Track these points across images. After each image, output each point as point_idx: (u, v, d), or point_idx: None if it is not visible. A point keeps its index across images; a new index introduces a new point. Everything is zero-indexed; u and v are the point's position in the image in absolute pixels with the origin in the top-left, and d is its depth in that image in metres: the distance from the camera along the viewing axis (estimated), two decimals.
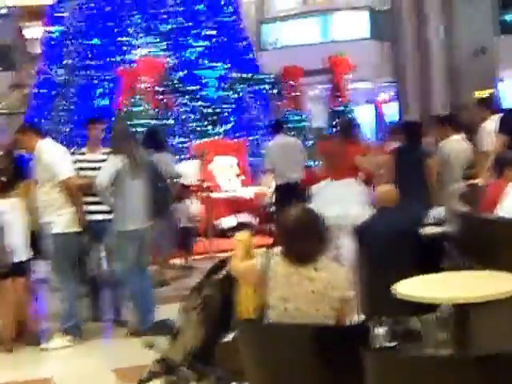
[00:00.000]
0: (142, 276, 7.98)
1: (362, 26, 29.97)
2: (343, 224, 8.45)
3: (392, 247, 6.25)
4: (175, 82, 15.39)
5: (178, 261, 11.74)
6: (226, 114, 16.16)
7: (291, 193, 11.23)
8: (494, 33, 26.70)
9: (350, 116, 16.13)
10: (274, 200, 12.51)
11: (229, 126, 16.35)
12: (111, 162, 7.69)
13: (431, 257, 6.35)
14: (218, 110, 15.92)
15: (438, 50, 27.33)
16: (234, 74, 17.16)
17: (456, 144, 10.15)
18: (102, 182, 7.60)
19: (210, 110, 15.93)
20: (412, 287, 4.99)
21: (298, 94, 16.24)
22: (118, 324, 8.41)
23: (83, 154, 8.61)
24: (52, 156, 7.63)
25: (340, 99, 16.16)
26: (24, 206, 7.69)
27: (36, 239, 7.84)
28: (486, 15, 26.27)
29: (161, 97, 14.47)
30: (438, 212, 7.62)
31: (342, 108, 16.05)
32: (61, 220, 7.61)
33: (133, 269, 7.83)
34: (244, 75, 16.78)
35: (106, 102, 17.18)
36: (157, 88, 14.41)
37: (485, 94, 26.49)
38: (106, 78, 17.30)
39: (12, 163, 8.03)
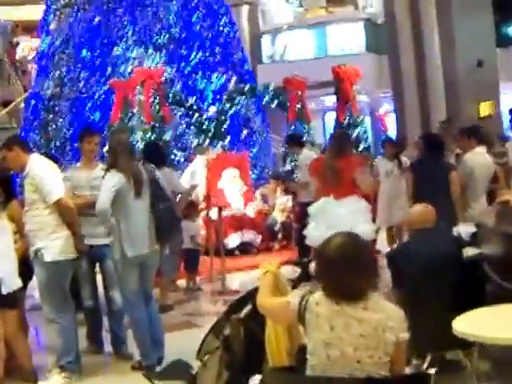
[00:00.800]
0: (147, 302, 7.15)
1: (358, 38, 29.57)
2: None
3: (435, 273, 5.48)
4: (171, 94, 14.53)
5: (181, 282, 11.06)
6: (225, 127, 15.30)
7: None
8: (493, 45, 26.30)
9: (355, 127, 15.31)
10: (294, 216, 11.59)
11: (227, 140, 15.50)
12: (111, 180, 6.83)
13: (474, 282, 5.62)
14: (216, 124, 15.05)
15: (436, 63, 26.98)
16: (232, 86, 16.41)
17: (480, 157, 9.54)
18: (104, 203, 6.74)
19: (207, 124, 15.08)
20: (471, 324, 4.44)
21: (302, 105, 15.31)
22: (120, 357, 7.59)
23: (78, 169, 7.79)
24: (42, 174, 6.79)
25: (349, 111, 15.24)
26: (12, 230, 6.83)
27: (27, 265, 6.99)
28: (485, 28, 25.80)
29: (157, 109, 13.57)
30: (464, 230, 6.84)
31: (352, 120, 15.12)
32: (53, 245, 6.78)
33: (137, 295, 7.03)
34: (243, 86, 15.92)
35: (97, 115, 16.42)
36: (153, 100, 13.52)
37: (488, 104, 26.22)
38: (98, 91, 16.54)
39: (1, 182, 7.16)
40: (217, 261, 11.36)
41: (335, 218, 8.42)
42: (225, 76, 17.23)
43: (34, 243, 6.81)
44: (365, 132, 15.90)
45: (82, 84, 16.89)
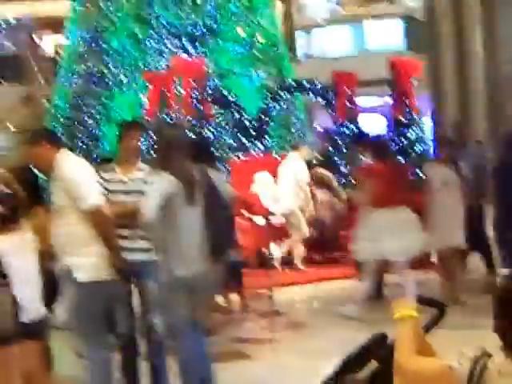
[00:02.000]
0: (195, 334, 5.82)
1: (397, 36, 28.29)
2: (403, 259, 8.51)
3: None
4: (210, 90, 13.18)
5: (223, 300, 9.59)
6: (267, 127, 13.94)
7: None
8: None
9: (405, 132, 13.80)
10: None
11: (270, 140, 14.14)
12: (161, 184, 5.57)
13: None
14: (258, 123, 13.68)
15: (479, 62, 25.76)
16: (273, 83, 15.10)
17: None
18: (152, 212, 5.47)
19: (248, 123, 13.70)
20: None
21: (351, 102, 13.88)
22: None
23: (114, 172, 6.39)
24: (75, 174, 5.51)
25: (409, 109, 13.70)
26: (35, 245, 5.54)
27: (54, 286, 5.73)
28: None
29: (199, 105, 12.19)
30: None
31: (409, 119, 13.57)
32: (85, 263, 5.51)
33: (186, 323, 5.73)
34: (287, 82, 14.57)
35: (128, 113, 15.15)
36: (194, 95, 12.16)
37: None
38: (129, 86, 15.29)
39: (25, 185, 5.87)
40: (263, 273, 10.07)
41: (387, 229, 8.27)
42: (264, 72, 16.03)
43: (63, 259, 5.53)
44: (423, 132, 14.36)
45: (111, 78, 15.64)
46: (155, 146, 5.78)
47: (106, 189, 5.98)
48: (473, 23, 25.02)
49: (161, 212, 5.48)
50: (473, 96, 26.20)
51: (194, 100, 12.33)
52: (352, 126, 13.81)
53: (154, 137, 5.84)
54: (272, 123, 14.27)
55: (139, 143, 6.35)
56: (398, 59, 13.79)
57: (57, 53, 22.11)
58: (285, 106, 15.33)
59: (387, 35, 28.32)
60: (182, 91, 12.19)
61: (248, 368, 6.74)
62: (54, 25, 23.26)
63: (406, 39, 28.17)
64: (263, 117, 13.72)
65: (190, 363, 5.76)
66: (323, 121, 17.44)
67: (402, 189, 8.53)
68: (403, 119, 13.52)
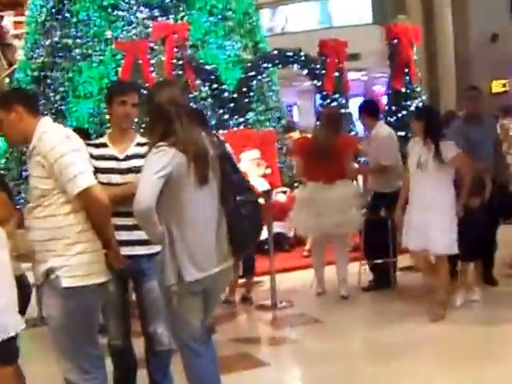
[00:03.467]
0: (205, 346, 4.45)
1: (364, 10, 27.05)
2: (341, 232, 8.19)
3: None
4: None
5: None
6: (248, 100, 12.53)
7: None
8: (508, 19, 24.30)
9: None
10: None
11: (250, 115, 12.76)
12: (159, 160, 4.13)
13: None
14: (237, 96, 12.28)
15: (448, 37, 24.81)
16: (252, 55, 13.74)
17: None
18: (146, 198, 4.05)
19: (226, 96, 12.28)
20: None
21: (341, 73, 12.45)
22: None
23: (105, 147, 4.93)
24: (60, 149, 4.08)
25: (409, 78, 12.25)
26: (8, 250, 4.13)
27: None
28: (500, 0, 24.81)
29: (181, 74, 10.70)
30: None
31: (410, 90, 12.13)
32: (76, 264, 4.13)
33: (198, 335, 4.37)
34: (270, 53, 13.13)
35: (95, 86, 13.71)
36: (177, 62, 10.68)
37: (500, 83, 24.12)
38: (96, 58, 13.82)
39: None
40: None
41: (325, 204, 7.94)
42: (239, 43, 14.70)
43: (44, 260, 4.14)
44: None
45: (77, 51, 14.10)
46: (151, 113, 4.32)
47: (97, 168, 4.57)
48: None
49: (162, 197, 4.12)
50: (441, 70, 25.27)
51: (176, 68, 10.84)
52: (342, 100, 12.47)
53: (148, 101, 4.30)
54: (252, 97, 12.87)
55: (135, 109, 4.91)
56: (398, 26, 12.23)
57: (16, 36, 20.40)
58: (265, 80, 14.03)
59: (353, 9, 27.03)
60: (164, 57, 10.67)
61: (264, 377, 5.46)
62: (14, 5, 21.61)
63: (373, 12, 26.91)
64: (244, 89, 12.30)
65: (195, 378, 4.41)
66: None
67: (337, 163, 8.00)
68: (403, 91, 12.11)
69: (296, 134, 11.52)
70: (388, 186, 8.29)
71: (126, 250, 4.57)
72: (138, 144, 4.88)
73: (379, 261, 8.38)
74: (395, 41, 12.05)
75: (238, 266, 7.53)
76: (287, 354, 6.68)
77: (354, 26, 24.98)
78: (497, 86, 25.11)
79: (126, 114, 4.85)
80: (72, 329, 4.18)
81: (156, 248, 4.52)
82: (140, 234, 4.47)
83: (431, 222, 6.83)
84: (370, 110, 8.54)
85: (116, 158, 4.82)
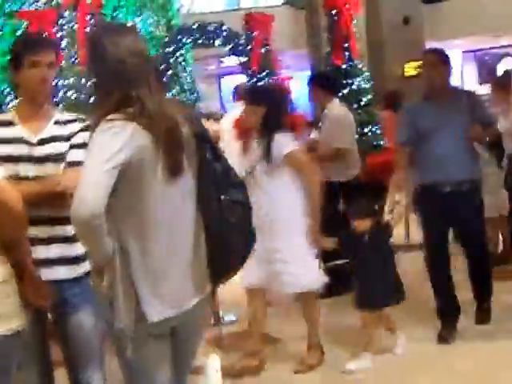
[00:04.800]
0: None
1: None
2: None
3: None
4: None
5: None
6: (166, 80, 11.18)
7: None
8: (419, 1, 23.64)
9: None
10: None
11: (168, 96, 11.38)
12: (111, 141, 2.68)
13: None
14: (158, 73, 10.83)
15: (358, 20, 23.94)
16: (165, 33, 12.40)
17: None
18: (92, 199, 2.60)
19: None
20: None
21: (269, 49, 11.16)
22: None
23: (10, 124, 3.44)
24: None
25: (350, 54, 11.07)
26: None
27: None
28: None
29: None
30: None
31: (351, 65, 10.93)
32: None
33: None
34: (188, 28, 11.72)
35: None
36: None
37: (413, 66, 23.43)
38: None
39: None
40: None
41: None
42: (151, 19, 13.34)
43: None
44: (368, 81, 11.72)
45: None
46: (100, 70, 2.89)
47: (7, 154, 3.13)
48: None
49: (113, 197, 2.69)
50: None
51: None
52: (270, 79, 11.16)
53: (94, 53, 2.86)
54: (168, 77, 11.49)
55: (52, 71, 3.43)
56: None
57: None
58: (180, 59, 12.62)
59: None
60: (77, 27, 9.17)
61: None
62: None
63: None
64: (163, 66, 10.90)
65: None
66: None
67: None
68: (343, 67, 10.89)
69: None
70: (345, 173, 7.02)
71: (42, 273, 3.15)
72: (57, 122, 3.42)
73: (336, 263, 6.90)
74: (333, 11, 10.83)
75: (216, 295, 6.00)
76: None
77: (263, 8, 23.97)
78: (410, 69, 24.48)
79: (42, 79, 3.38)
80: None
81: (84, 267, 3.14)
82: (62, 249, 3.07)
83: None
84: (323, 81, 7.22)
85: (27, 142, 3.35)
